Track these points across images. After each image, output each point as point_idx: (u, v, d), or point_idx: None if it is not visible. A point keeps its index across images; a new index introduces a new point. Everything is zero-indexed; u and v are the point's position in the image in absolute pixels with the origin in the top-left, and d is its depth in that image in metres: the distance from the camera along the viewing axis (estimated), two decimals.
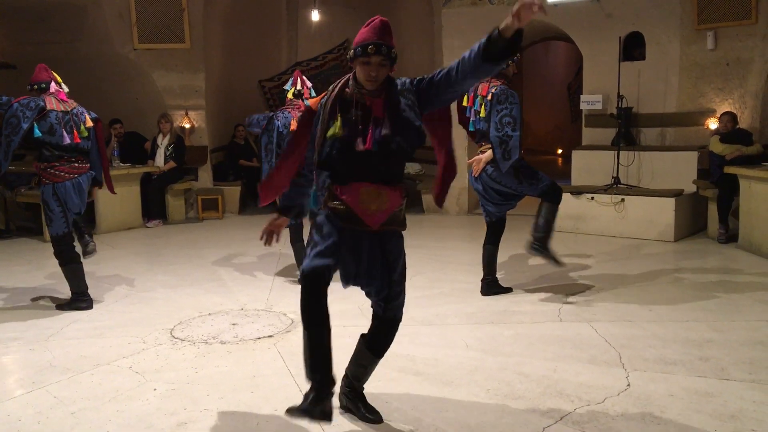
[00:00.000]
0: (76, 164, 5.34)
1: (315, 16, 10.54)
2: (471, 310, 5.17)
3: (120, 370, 4.08)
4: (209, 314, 5.20)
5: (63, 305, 5.40)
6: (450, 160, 3.22)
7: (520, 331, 4.66)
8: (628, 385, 3.71)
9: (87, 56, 9.98)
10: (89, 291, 5.49)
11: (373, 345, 3.28)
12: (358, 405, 3.36)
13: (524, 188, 5.37)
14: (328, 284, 2.94)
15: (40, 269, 6.75)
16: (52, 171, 5.22)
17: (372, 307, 3.23)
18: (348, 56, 2.95)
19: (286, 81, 6.40)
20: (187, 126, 10.10)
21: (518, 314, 5.06)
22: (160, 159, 9.53)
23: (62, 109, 5.26)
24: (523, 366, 4.02)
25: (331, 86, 3.07)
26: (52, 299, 5.67)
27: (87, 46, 9.90)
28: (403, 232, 3.15)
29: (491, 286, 5.62)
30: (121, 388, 3.81)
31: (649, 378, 3.80)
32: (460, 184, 9.78)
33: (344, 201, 2.94)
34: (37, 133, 5.15)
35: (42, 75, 5.36)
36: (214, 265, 6.90)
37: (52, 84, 5.34)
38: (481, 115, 5.32)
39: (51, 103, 5.21)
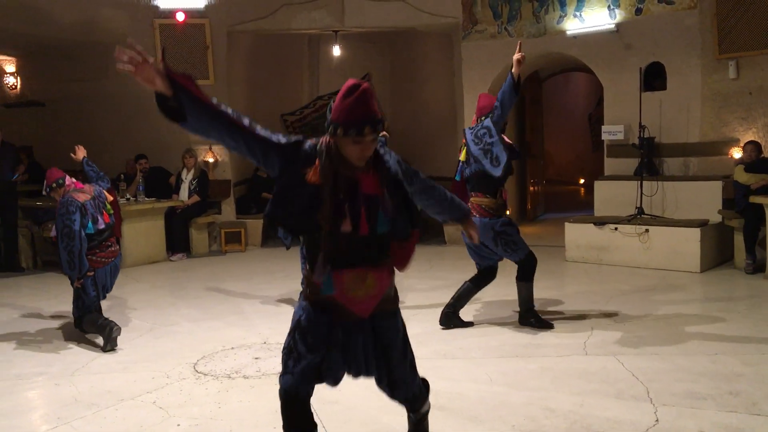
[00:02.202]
0: (112, 248, 5.57)
1: (336, 51, 10.70)
2: (495, 344, 5.12)
3: (144, 405, 4.09)
4: (232, 348, 5.20)
5: (104, 347, 5.25)
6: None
7: (545, 365, 4.60)
8: (657, 420, 3.64)
9: (113, 93, 10.20)
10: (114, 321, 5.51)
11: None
12: None
13: (501, 252, 5.41)
14: (311, 396, 2.74)
15: (65, 304, 6.80)
16: (93, 258, 5.36)
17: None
18: (328, 129, 2.55)
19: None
20: (211, 160, 10.23)
21: (543, 347, 5.00)
22: (184, 193, 9.64)
23: (90, 197, 5.41)
24: (549, 401, 3.96)
25: (315, 145, 2.60)
26: (77, 333, 5.72)
27: (113, 84, 10.11)
28: (404, 304, 2.85)
29: (450, 318, 5.58)
30: (145, 423, 3.82)
31: (678, 413, 3.73)
32: None
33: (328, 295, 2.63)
34: (90, 229, 5.31)
35: (56, 174, 5.51)
36: (236, 298, 6.92)
37: (67, 177, 5.49)
38: (461, 159, 5.47)
39: (80, 197, 5.34)
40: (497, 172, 5.19)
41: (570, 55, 9.33)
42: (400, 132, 11.73)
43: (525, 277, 5.47)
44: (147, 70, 2.29)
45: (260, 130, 2.53)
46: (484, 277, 5.60)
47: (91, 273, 5.34)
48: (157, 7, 9.57)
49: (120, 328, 5.32)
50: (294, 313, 2.77)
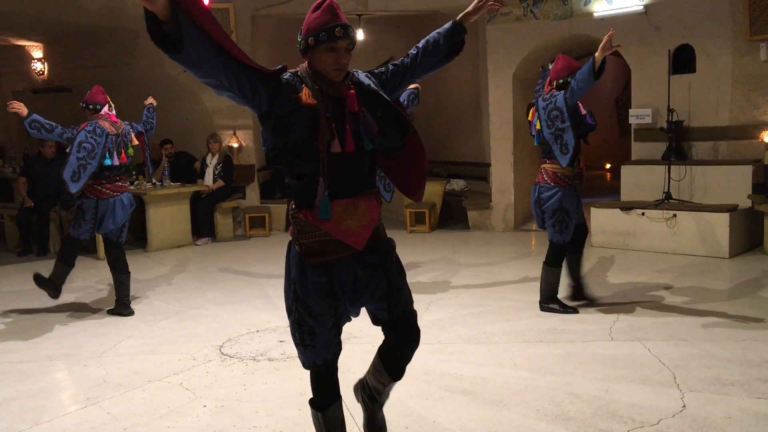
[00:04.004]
0: (119, 183, 5.70)
1: (359, 35, 10.64)
2: (519, 329, 5.10)
3: (171, 387, 4.14)
4: (257, 331, 5.24)
5: (50, 289, 5.71)
6: (419, 142, 2.86)
7: (570, 350, 4.57)
8: (684, 406, 3.60)
9: (138, 79, 10.26)
10: (133, 306, 5.90)
11: (390, 361, 2.83)
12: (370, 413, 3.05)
13: (547, 224, 5.37)
14: (338, 356, 2.74)
15: (93, 286, 6.92)
16: (98, 187, 5.55)
17: (376, 318, 2.82)
18: (300, 48, 2.58)
19: None
20: (236, 145, 10.28)
21: (568, 333, 4.97)
22: (209, 178, 9.71)
23: (115, 132, 5.61)
24: (574, 386, 3.94)
25: (296, 73, 2.58)
26: (105, 315, 5.80)
27: (138, 69, 10.17)
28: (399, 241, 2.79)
29: (578, 292, 5.59)
30: (172, 404, 3.87)
31: (706, 399, 3.68)
32: (506, 200, 9.71)
33: (321, 228, 2.55)
34: (108, 161, 5.49)
35: (98, 97, 5.70)
36: (261, 282, 6.96)
37: (105, 107, 5.66)
38: (537, 127, 5.33)
39: (108, 128, 5.56)
40: (564, 162, 5.14)
41: (597, 38, 9.13)
42: (422, 118, 11.66)
43: (553, 263, 5.42)
44: None
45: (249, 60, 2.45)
46: (574, 243, 5.49)
47: (91, 197, 5.56)
48: None
49: (55, 296, 5.72)
50: (285, 276, 2.69)
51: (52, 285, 5.69)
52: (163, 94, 10.27)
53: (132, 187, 8.79)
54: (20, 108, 5.35)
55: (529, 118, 5.49)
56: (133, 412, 3.78)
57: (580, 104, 5.22)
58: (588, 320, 5.25)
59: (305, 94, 2.49)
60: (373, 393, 2.97)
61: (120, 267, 5.80)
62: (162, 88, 10.24)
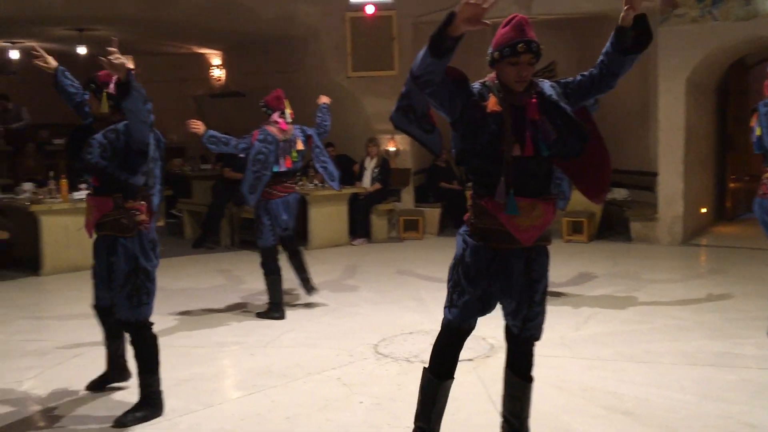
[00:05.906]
0: (287, 184, 5.89)
1: None
2: (687, 350, 4.78)
3: (329, 381, 4.30)
4: (410, 332, 5.31)
5: (261, 313, 5.86)
6: (603, 147, 2.98)
7: (746, 377, 4.22)
8: None
9: (304, 85, 10.75)
10: (293, 300, 6.11)
11: (518, 369, 3.05)
12: None
13: None
14: (472, 330, 2.98)
15: (260, 280, 7.31)
16: (266, 189, 5.73)
17: (506, 326, 3.03)
18: (488, 60, 2.80)
19: None
20: (393, 149, 10.49)
21: (742, 357, 4.59)
22: (366, 180, 9.98)
23: (282, 138, 5.78)
24: (750, 416, 3.63)
25: (483, 83, 2.84)
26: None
27: (305, 76, 10.67)
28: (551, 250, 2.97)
29: None
30: (330, 397, 4.01)
31: None
32: (673, 212, 9.14)
33: (497, 218, 2.77)
34: (275, 168, 5.71)
35: (271, 102, 5.91)
36: (414, 284, 7.05)
37: (275, 114, 5.84)
38: (757, 134, 4.93)
39: (276, 133, 5.76)
40: None
41: None
42: None
43: None
44: (480, 12, 2.44)
45: None
46: None
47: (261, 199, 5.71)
48: (347, 1, 9.92)
49: (280, 318, 5.73)
50: (456, 247, 2.94)
51: (273, 307, 5.85)
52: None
53: (296, 188, 9.24)
54: (198, 127, 5.63)
55: (750, 124, 5.10)
56: (295, 402, 3.97)
57: None
58: (766, 345, 4.81)
59: (492, 102, 2.76)
60: (513, 421, 3.10)
61: (296, 261, 6.12)
62: (326, 94, 10.66)
